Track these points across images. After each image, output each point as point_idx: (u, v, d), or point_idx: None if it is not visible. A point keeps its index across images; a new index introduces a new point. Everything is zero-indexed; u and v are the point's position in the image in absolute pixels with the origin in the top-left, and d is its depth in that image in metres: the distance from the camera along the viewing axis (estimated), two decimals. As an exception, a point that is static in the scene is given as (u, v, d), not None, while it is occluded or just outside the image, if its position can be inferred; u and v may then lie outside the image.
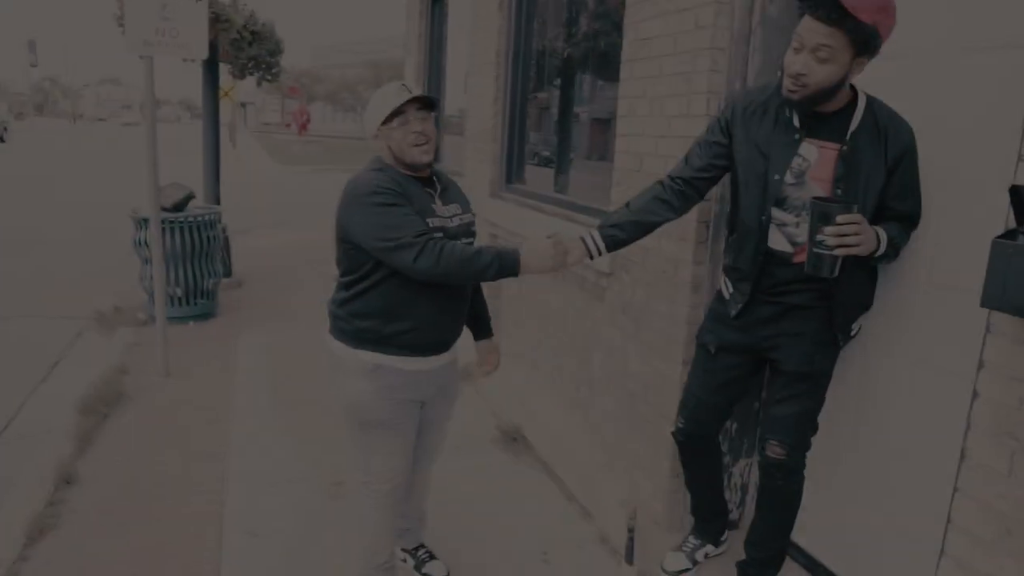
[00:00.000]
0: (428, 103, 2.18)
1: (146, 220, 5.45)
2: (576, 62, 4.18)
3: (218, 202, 7.46)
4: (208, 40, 6.61)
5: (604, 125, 3.72)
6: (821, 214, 1.92)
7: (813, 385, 2.27)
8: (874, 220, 2.06)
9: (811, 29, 1.90)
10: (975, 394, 1.62)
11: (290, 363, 5.28)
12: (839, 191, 2.07)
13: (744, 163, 2.22)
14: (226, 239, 7.54)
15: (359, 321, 2.20)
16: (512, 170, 4.78)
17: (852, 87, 2.07)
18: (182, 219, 6.08)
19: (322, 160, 30.48)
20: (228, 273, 7.56)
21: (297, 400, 4.56)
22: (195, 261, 6.17)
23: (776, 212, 2.18)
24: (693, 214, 2.57)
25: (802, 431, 2.29)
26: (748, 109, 2.22)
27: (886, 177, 2.06)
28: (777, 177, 2.14)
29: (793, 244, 2.17)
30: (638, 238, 2.36)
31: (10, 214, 12.01)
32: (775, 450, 2.26)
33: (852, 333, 2.30)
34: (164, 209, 6.09)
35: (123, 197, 8.92)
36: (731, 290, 2.35)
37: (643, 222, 2.32)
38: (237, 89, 25.64)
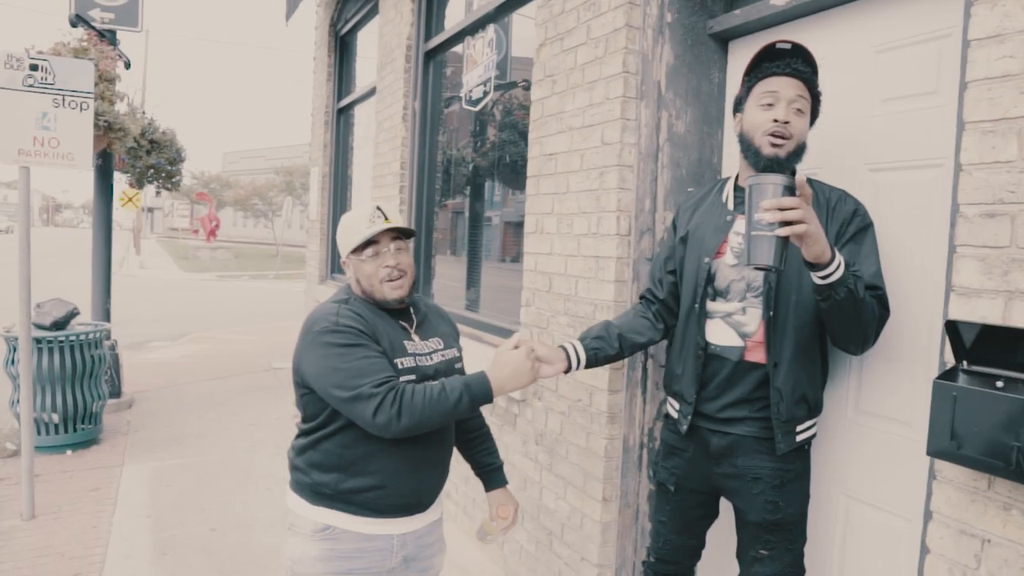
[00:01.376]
0: (403, 232, 1.92)
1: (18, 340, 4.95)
2: (483, 172, 4.09)
3: (108, 318, 6.95)
4: (97, 150, 6.37)
5: (517, 228, 3.59)
6: (758, 189, 1.58)
7: (785, 535, 1.95)
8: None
9: (784, 85, 1.86)
10: (925, 548, 1.45)
11: (176, 496, 4.78)
12: (780, 268, 1.69)
13: (686, 257, 2.08)
14: (115, 356, 7.00)
15: (316, 474, 1.88)
16: (418, 285, 4.58)
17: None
18: (62, 338, 5.57)
19: (230, 266, 29.75)
20: (117, 393, 6.98)
21: (180, 542, 4.06)
22: (76, 384, 5.63)
23: (718, 304, 1.99)
24: (607, 338, 2.41)
25: None
26: (688, 203, 2.16)
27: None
28: (707, 260, 2.00)
29: (743, 336, 1.95)
30: (622, 357, 2.15)
31: None
32: None
33: (798, 439, 1.93)
34: (43, 327, 5.59)
35: (5, 313, 8.26)
36: (677, 406, 2.13)
37: (629, 339, 2.13)
38: (144, 195, 24.96)
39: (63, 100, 4.37)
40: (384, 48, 4.99)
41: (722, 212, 2.04)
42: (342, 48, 6.74)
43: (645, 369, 2.44)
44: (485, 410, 3.43)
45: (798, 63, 1.86)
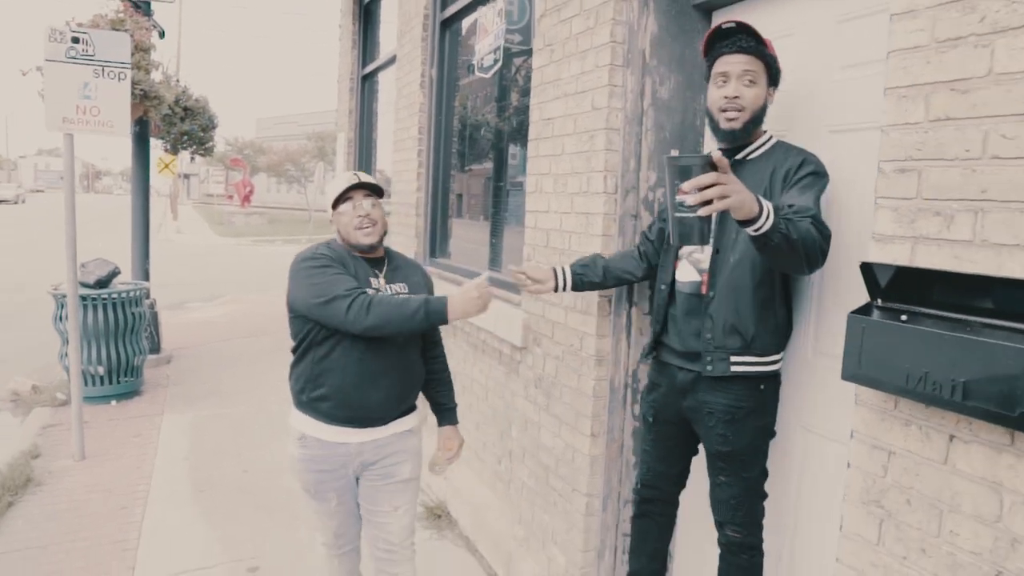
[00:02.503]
0: (374, 189, 2.35)
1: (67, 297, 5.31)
2: (498, 137, 4.30)
3: (147, 277, 7.33)
4: (134, 117, 6.68)
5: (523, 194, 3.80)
6: (678, 170, 1.63)
7: (737, 465, 2.18)
8: None
9: (732, 62, 2.10)
10: (848, 464, 1.67)
11: (212, 442, 5.14)
12: (707, 243, 1.90)
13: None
14: (154, 315, 7.39)
15: (296, 386, 2.37)
16: (436, 244, 4.83)
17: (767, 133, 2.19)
18: (105, 296, 5.94)
19: (264, 231, 30.31)
20: (156, 349, 7.38)
21: (216, 482, 4.42)
22: (119, 338, 6.02)
23: (682, 249, 2.29)
24: (595, 288, 2.63)
25: (746, 511, 2.21)
26: None
27: (777, 185, 2.05)
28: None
29: (700, 272, 2.21)
30: (604, 286, 2.53)
31: (-70, 291, 11.55)
32: (732, 530, 2.22)
33: (732, 369, 2.12)
34: (87, 286, 5.97)
35: (54, 271, 8.70)
36: (648, 340, 2.44)
37: (613, 269, 2.50)
38: (179, 161, 25.48)
39: (103, 70, 4.65)
40: (404, 17, 5.18)
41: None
42: (366, 16, 6.93)
43: (630, 316, 2.67)
44: (493, 356, 3.69)
45: (742, 39, 2.09)
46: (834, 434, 2.16)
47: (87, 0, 7.09)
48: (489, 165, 4.40)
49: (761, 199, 1.74)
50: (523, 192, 3.36)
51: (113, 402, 6.05)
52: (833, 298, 2.16)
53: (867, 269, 1.56)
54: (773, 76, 2.15)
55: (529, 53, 3.82)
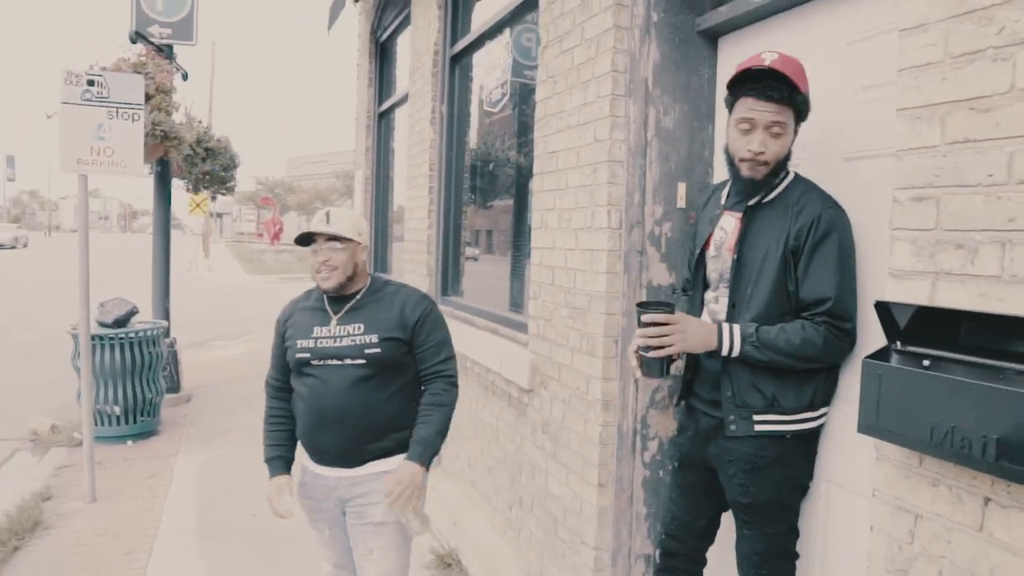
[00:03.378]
0: (340, 237, 2.31)
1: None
2: (508, 172, 4.21)
3: (167, 316, 7.33)
4: (155, 157, 6.73)
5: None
6: (638, 317, 2.02)
7: (759, 519, 2.02)
8: (779, 301, 1.95)
9: (759, 110, 1.92)
10: (870, 526, 1.50)
11: (224, 484, 5.04)
12: (735, 260, 2.02)
13: (693, 250, 2.30)
14: (174, 353, 7.37)
15: None
16: (448, 282, 4.73)
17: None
18: (122, 335, 5.93)
19: (293, 268, 30.57)
20: (175, 388, 7.35)
21: (224, 526, 4.31)
22: (136, 378, 5.98)
23: (708, 293, 2.17)
24: (600, 328, 2.50)
25: (769, 570, 2.04)
26: (703, 199, 2.35)
27: (789, 253, 1.92)
28: (697, 251, 2.20)
29: (715, 322, 2.05)
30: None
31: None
32: None
33: (756, 428, 1.98)
34: (105, 325, 5.96)
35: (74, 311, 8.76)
36: (680, 386, 2.31)
37: None
38: (211, 200, 25.92)
39: (116, 112, 4.67)
40: (415, 54, 5.16)
41: (716, 206, 2.18)
42: (382, 54, 6.95)
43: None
44: (503, 398, 3.55)
45: (774, 88, 1.88)
46: (859, 487, 1.97)
47: (111, 45, 7.21)
48: (501, 201, 4.30)
49: (724, 331, 1.96)
50: (527, 228, 3.25)
51: (129, 442, 6.00)
52: (860, 339, 1.98)
53: (883, 309, 1.40)
54: (802, 114, 1.98)
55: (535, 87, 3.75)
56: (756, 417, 1.99)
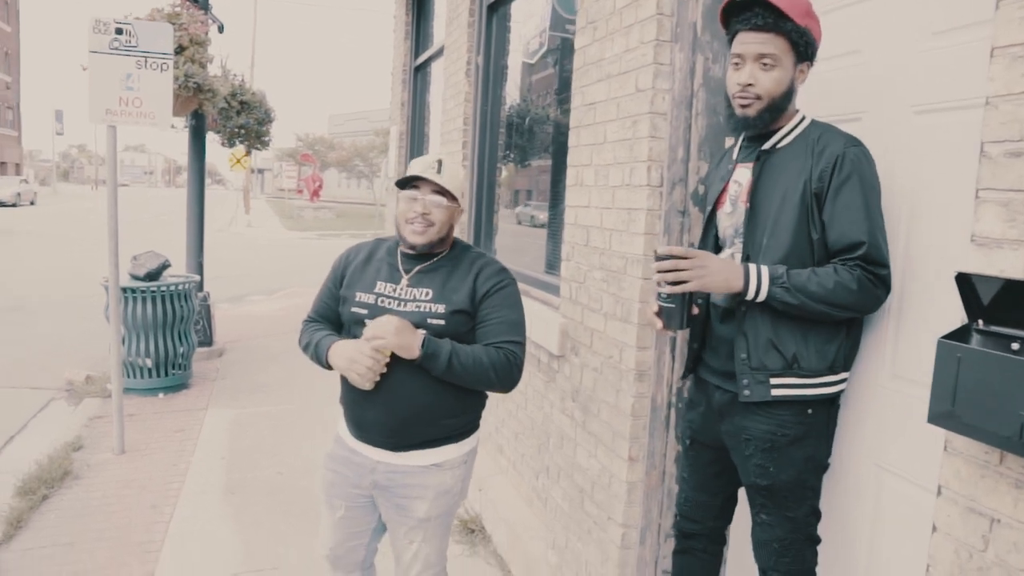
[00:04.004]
0: (447, 193, 2.04)
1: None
2: (544, 127, 4.01)
3: (200, 271, 7.32)
4: (188, 110, 6.64)
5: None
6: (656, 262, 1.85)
7: (780, 502, 1.86)
8: (800, 250, 1.79)
9: (748, 42, 1.82)
10: (933, 526, 1.32)
11: (252, 441, 5.03)
12: (748, 210, 1.87)
13: (705, 211, 2.15)
14: (207, 307, 7.37)
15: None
16: (480, 240, 4.57)
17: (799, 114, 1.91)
18: (154, 288, 5.91)
19: (332, 225, 30.73)
20: (208, 342, 7.37)
21: (249, 483, 4.29)
22: (167, 331, 5.98)
23: (723, 252, 2.00)
24: (636, 293, 2.32)
25: (792, 556, 1.89)
26: (715, 158, 2.20)
27: (810, 196, 1.77)
28: (710, 209, 2.05)
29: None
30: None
31: (8, 278, 11.96)
32: None
33: (773, 392, 1.82)
34: (137, 278, 5.95)
35: (123, 263, 8.82)
36: (687, 357, 2.14)
37: None
38: (254, 157, 26.04)
39: (145, 61, 4.56)
40: (451, 3, 4.95)
41: (728, 162, 2.04)
42: (419, 5, 6.73)
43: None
44: (531, 363, 3.40)
45: (759, 15, 1.78)
46: (918, 477, 1.79)
47: (147, -5, 7.09)
48: (537, 157, 4.11)
49: (751, 271, 1.77)
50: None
51: (161, 395, 6.02)
52: (918, 313, 1.79)
53: (964, 281, 1.21)
54: (804, 51, 1.82)
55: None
56: (773, 380, 1.82)
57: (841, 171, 1.74)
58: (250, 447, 4.92)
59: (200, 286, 6.89)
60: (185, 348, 6.16)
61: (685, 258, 1.80)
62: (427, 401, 2.01)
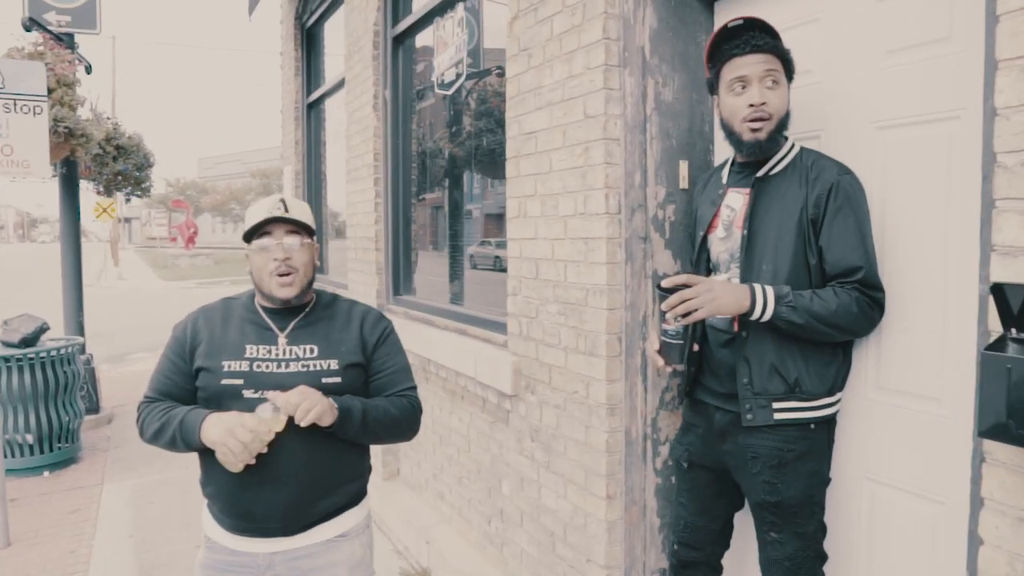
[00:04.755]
0: (303, 226, 1.81)
1: (-18, 361, 4.73)
2: (461, 161, 3.91)
3: (81, 332, 6.72)
4: (60, 157, 6.12)
5: (498, 219, 3.43)
6: (659, 297, 1.83)
7: (790, 518, 1.85)
8: (798, 275, 1.81)
9: (750, 63, 1.82)
10: (977, 539, 1.30)
11: (160, 514, 4.58)
12: (746, 236, 1.87)
13: (694, 235, 2.11)
14: (91, 371, 6.76)
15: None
16: (400, 280, 4.39)
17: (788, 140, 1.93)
18: (32, 355, 5.34)
19: (211, 273, 29.38)
20: (95, 409, 6.75)
21: (167, 561, 3.88)
22: (49, 402, 5.41)
23: (716, 277, 1.99)
24: (602, 325, 2.25)
25: (804, 573, 1.87)
26: (699, 183, 2.18)
27: (807, 223, 1.80)
28: (701, 233, 2.04)
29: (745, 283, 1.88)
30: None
31: None
32: None
33: (775, 416, 1.83)
34: (12, 345, 5.36)
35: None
36: (682, 382, 2.14)
37: None
38: (120, 205, 24.53)
39: (15, 104, 4.16)
40: (351, 36, 4.79)
41: (717, 186, 2.04)
42: (309, 41, 6.52)
43: (644, 355, 2.28)
44: (475, 404, 3.27)
45: (756, 37, 1.82)
46: (911, 486, 1.79)
47: (2, 34, 6.53)
48: (456, 190, 4.00)
49: (757, 290, 1.77)
50: (491, 218, 2.98)
51: (46, 473, 5.43)
52: (897, 322, 1.81)
53: (998, 292, 1.20)
54: (789, 73, 1.88)
55: (489, 73, 3.47)
56: (776, 405, 1.84)
57: (836, 198, 1.77)
58: (159, 520, 4.48)
59: (83, 348, 6.31)
60: (71, 418, 5.59)
61: (690, 285, 1.78)
62: (327, 468, 1.78)
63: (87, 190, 7.39)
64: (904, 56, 1.76)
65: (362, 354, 1.84)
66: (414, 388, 1.91)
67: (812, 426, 1.85)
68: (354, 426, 1.72)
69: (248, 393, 1.72)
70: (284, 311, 1.84)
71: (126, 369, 9.57)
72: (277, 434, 1.65)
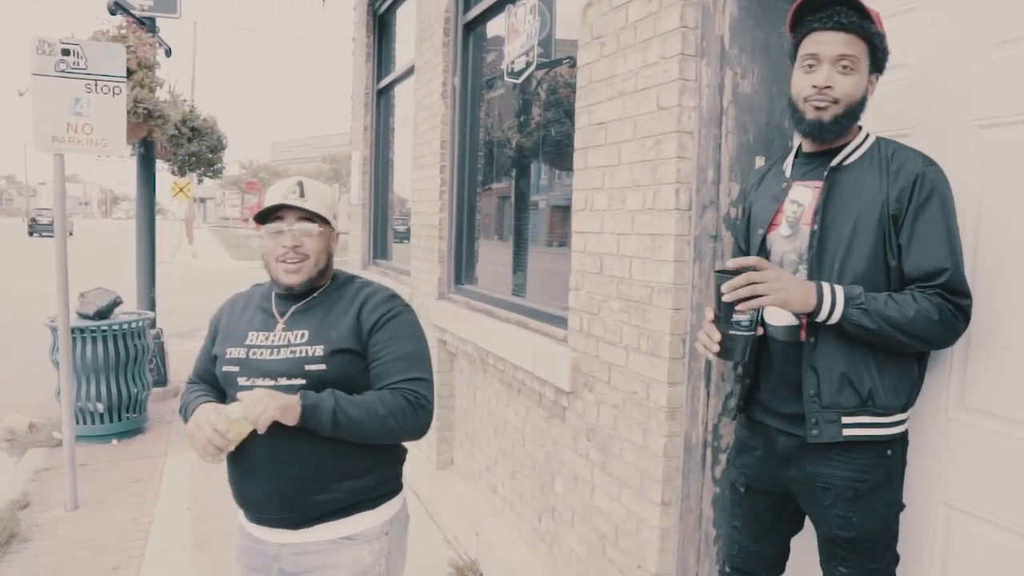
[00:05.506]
0: (317, 217, 1.76)
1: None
2: (528, 151, 3.85)
3: (152, 307, 6.94)
4: (138, 137, 6.32)
5: (565, 213, 3.36)
6: (716, 284, 1.68)
7: (863, 553, 1.71)
8: (875, 277, 1.66)
9: (826, 42, 1.68)
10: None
11: (219, 488, 4.67)
12: (816, 232, 1.71)
13: (749, 232, 1.95)
14: (160, 345, 6.98)
15: None
16: (462, 269, 4.37)
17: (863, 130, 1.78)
18: (105, 327, 5.53)
19: (280, 254, 30.04)
20: (162, 382, 6.98)
21: (220, 537, 3.96)
22: (120, 373, 5.60)
23: None
24: (666, 325, 2.17)
25: None
26: (755, 177, 2.02)
27: (887, 218, 1.65)
28: (760, 231, 1.87)
29: (797, 314, 1.72)
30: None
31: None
32: None
33: (845, 432, 1.68)
34: (86, 317, 5.57)
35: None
36: (737, 397, 2.00)
37: None
38: (194, 185, 25.34)
39: (95, 85, 4.26)
40: (423, 23, 4.78)
41: (780, 180, 1.88)
42: (381, 27, 6.55)
43: (708, 359, 2.19)
44: (532, 399, 3.22)
45: (842, 13, 1.66)
46: (998, 517, 1.66)
47: (89, 18, 6.77)
48: (523, 181, 3.95)
49: (825, 288, 1.63)
50: (557, 210, 2.91)
51: (114, 441, 5.63)
52: (985, 336, 1.67)
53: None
54: (877, 61, 1.72)
55: (560, 63, 3.40)
56: (845, 419, 1.68)
57: (921, 192, 1.61)
58: (215, 495, 4.57)
59: (153, 323, 6.51)
60: (139, 390, 5.78)
61: (759, 269, 1.64)
62: (318, 463, 1.70)
63: (162, 170, 7.63)
64: (1013, 48, 1.62)
65: (356, 340, 1.74)
66: (419, 380, 1.75)
67: (889, 452, 1.70)
68: (323, 425, 1.63)
69: (242, 380, 1.71)
70: (291, 297, 1.81)
71: (194, 345, 9.81)
72: (270, 429, 1.60)
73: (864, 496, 1.68)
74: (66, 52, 4.19)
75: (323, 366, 1.69)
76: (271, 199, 1.76)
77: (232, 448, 1.64)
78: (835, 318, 1.62)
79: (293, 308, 1.79)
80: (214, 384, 1.85)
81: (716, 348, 1.74)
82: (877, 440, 1.68)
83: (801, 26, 1.75)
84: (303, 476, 1.69)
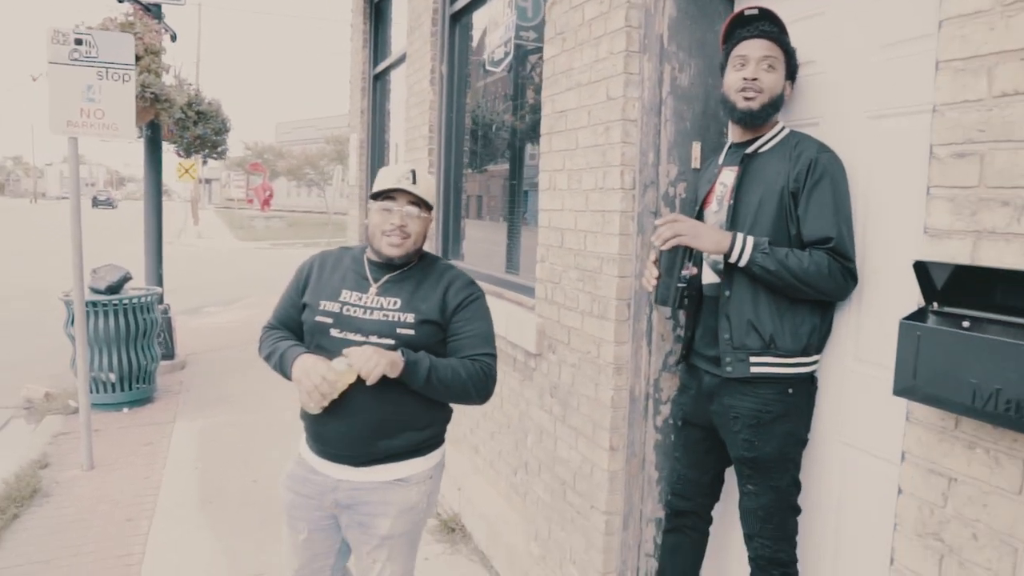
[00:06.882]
0: (422, 203, 2.02)
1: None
2: (509, 135, 4.12)
3: (160, 283, 7.25)
4: (145, 120, 6.60)
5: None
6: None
7: (765, 473, 2.05)
8: (777, 242, 2.02)
9: (753, 47, 2.07)
10: (899, 489, 1.47)
11: (223, 451, 5.02)
12: (731, 206, 2.09)
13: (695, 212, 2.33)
14: (168, 320, 7.30)
15: None
16: (448, 246, 4.66)
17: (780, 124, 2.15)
18: (116, 302, 5.85)
19: (283, 235, 30.39)
20: (170, 355, 7.29)
21: (225, 493, 4.29)
22: (130, 345, 5.92)
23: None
24: (613, 291, 2.46)
25: (776, 523, 2.06)
26: (701, 170, 2.45)
27: (787, 195, 2.00)
28: (697, 208, 2.28)
29: (717, 272, 2.14)
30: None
31: (-49, 298, 11.59)
32: (761, 543, 2.08)
33: (752, 370, 2.02)
34: (98, 291, 5.88)
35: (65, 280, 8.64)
36: (682, 346, 2.38)
37: None
38: (200, 166, 25.61)
39: (106, 72, 4.54)
40: (413, 13, 5.03)
41: (714, 167, 2.29)
42: (377, 14, 6.79)
43: (650, 321, 2.48)
44: (507, 363, 3.51)
45: (765, 25, 2.06)
46: (880, 451, 1.95)
47: (97, 4, 7.02)
48: (503, 163, 4.22)
49: (737, 236, 1.99)
50: (534, 191, 3.19)
51: (125, 409, 5.96)
52: (878, 300, 1.96)
53: (921, 269, 1.36)
54: (791, 69, 2.11)
55: (541, 45, 3.65)
56: (753, 359, 2.05)
57: (814, 173, 1.95)
58: (221, 457, 4.91)
59: (161, 298, 6.82)
60: (148, 361, 6.10)
61: (678, 221, 2.07)
62: (390, 412, 1.97)
63: (169, 151, 7.90)
64: (895, 51, 1.89)
65: (441, 315, 2.00)
66: (490, 355, 2.03)
67: (790, 390, 2.03)
68: (419, 379, 1.90)
69: (335, 332, 1.98)
70: (385, 266, 2.05)
71: (200, 321, 10.18)
72: (352, 383, 1.88)
73: (766, 425, 2.04)
74: (79, 41, 4.47)
75: (412, 332, 1.97)
76: (386, 181, 2.00)
77: (336, 397, 1.89)
78: (744, 259, 1.99)
79: (387, 277, 2.04)
80: (293, 330, 2.12)
81: (653, 283, 2.18)
82: (778, 378, 2.03)
83: (732, 38, 2.14)
84: (376, 422, 1.97)
